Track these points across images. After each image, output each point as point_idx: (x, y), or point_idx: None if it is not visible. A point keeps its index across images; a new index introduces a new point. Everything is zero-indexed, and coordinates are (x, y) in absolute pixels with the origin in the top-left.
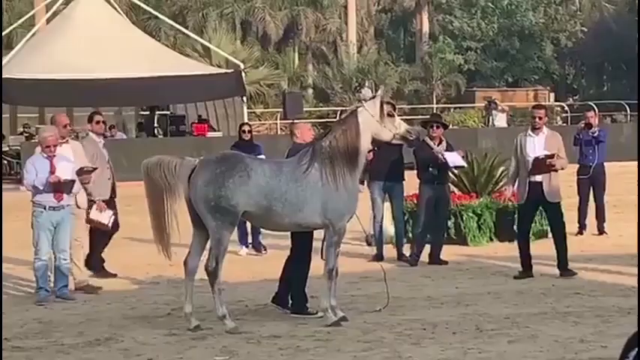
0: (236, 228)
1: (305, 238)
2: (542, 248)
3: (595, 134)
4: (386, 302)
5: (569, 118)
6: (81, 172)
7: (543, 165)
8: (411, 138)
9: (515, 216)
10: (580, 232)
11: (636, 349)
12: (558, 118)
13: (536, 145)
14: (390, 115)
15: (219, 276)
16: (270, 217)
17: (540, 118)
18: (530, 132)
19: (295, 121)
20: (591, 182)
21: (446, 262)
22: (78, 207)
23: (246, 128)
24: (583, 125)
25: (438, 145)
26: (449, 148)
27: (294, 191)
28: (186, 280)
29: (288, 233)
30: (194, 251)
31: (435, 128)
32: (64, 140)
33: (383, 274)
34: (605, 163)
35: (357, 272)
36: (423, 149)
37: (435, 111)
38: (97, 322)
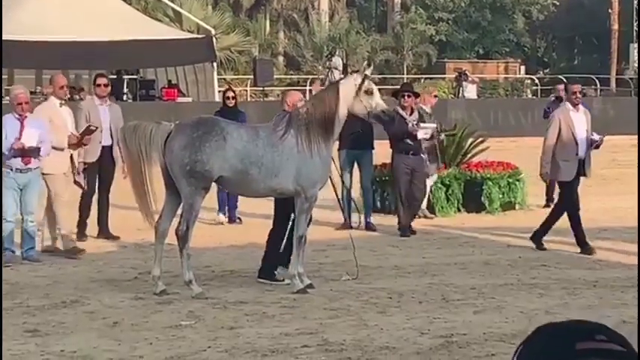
0: (216, 196)
1: (286, 204)
2: (509, 220)
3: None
4: (355, 273)
5: (539, 91)
6: (87, 131)
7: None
8: (385, 119)
9: (483, 187)
10: (548, 205)
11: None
12: (528, 90)
13: (580, 122)
14: (368, 93)
15: (188, 241)
16: (245, 182)
17: (580, 93)
18: (571, 108)
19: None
20: None
21: (414, 232)
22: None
23: (230, 94)
24: (554, 98)
25: (410, 115)
26: (421, 119)
27: (271, 156)
28: (157, 243)
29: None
30: (165, 215)
31: (406, 97)
32: (62, 101)
33: (352, 246)
34: None
35: (325, 240)
36: (396, 120)
37: (405, 81)
38: (63, 285)
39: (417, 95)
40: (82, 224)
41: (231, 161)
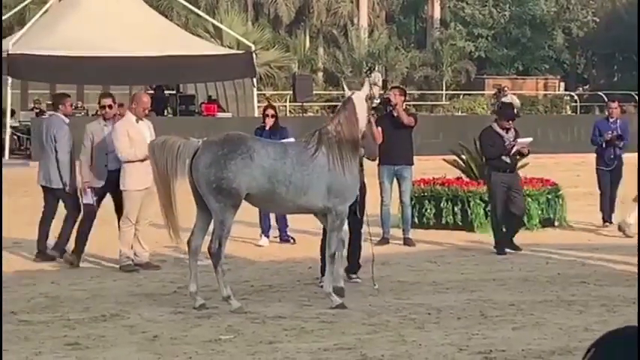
0: (259, 219)
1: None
2: (548, 237)
3: (615, 126)
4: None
5: (578, 108)
6: None
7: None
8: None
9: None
10: (607, 222)
11: (593, 348)
12: (567, 107)
13: None
14: (373, 96)
15: (222, 258)
16: (273, 200)
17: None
18: None
19: (305, 103)
20: (611, 173)
21: (519, 249)
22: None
23: (269, 112)
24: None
25: (507, 134)
26: (517, 135)
27: (300, 174)
28: (190, 259)
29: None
30: (197, 231)
31: (510, 121)
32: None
33: (372, 258)
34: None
35: (363, 255)
36: (493, 139)
37: (444, 97)
38: (103, 298)
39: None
40: (78, 252)
41: (258, 179)
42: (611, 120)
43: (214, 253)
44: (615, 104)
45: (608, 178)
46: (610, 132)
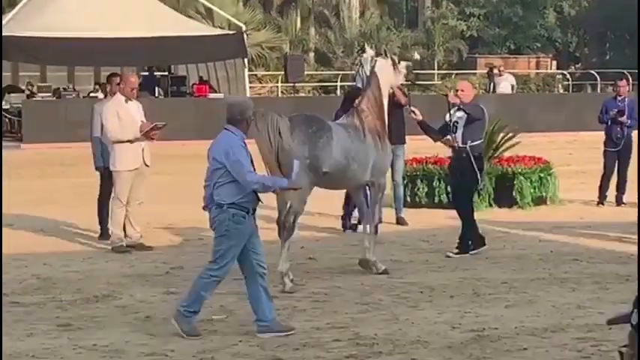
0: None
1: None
2: (541, 215)
3: (623, 104)
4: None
5: (570, 86)
6: (154, 127)
7: None
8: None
9: (515, 182)
10: (601, 203)
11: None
12: (560, 86)
13: None
14: (399, 64)
15: (293, 232)
16: (344, 177)
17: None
18: None
19: (297, 84)
20: (618, 153)
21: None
22: (146, 165)
23: None
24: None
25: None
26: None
27: (363, 151)
28: (281, 240)
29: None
30: (283, 209)
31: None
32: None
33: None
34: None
35: (356, 235)
36: None
37: (436, 77)
38: (96, 280)
39: None
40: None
41: (337, 157)
42: (619, 98)
43: (288, 227)
44: (623, 82)
45: (615, 159)
46: (615, 109)
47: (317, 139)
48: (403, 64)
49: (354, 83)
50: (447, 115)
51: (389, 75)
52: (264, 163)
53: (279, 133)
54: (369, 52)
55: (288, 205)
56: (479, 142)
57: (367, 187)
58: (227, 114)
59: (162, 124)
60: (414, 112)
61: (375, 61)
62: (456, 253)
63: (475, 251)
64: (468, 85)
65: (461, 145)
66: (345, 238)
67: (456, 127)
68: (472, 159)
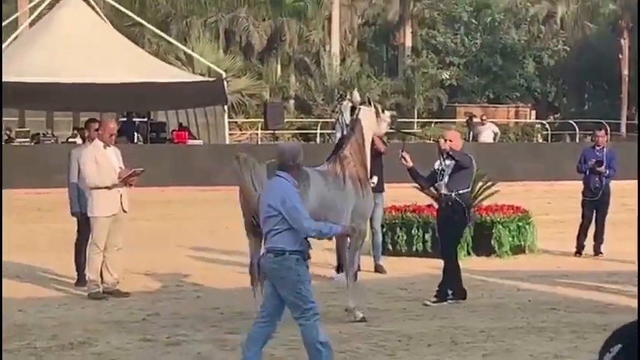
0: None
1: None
2: (519, 264)
3: (602, 154)
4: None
5: (549, 136)
6: (132, 174)
7: None
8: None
9: (493, 231)
10: (578, 252)
11: (619, 344)
12: (539, 135)
13: None
14: (382, 111)
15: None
16: None
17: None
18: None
19: (276, 131)
20: (596, 203)
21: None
22: (124, 211)
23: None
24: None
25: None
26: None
27: (340, 198)
28: (254, 286)
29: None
30: (255, 258)
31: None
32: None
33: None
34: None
35: (333, 282)
36: None
37: (416, 125)
38: (71, 326)
39: None
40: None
41: (313, 205)
42: (597, 148)
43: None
44: (602, 132)
45: (592, 208)
46: (594, 159)
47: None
48: (387, 113)
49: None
50: (437, 163)
51: (372, 123)
52: (243, 208)
53: (255, 180)
54: (356, 96)
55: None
56: (465, 190)
57: None
58: (278, 160)
59: (140, 170)
60: (404, 157)
61: (359, 108)
62: (434, 302)
63: (453, 301)
64: (456, 134)
65: (446, 193)
66: (321, 285)
67: (443, 175)
68: (458, 207)
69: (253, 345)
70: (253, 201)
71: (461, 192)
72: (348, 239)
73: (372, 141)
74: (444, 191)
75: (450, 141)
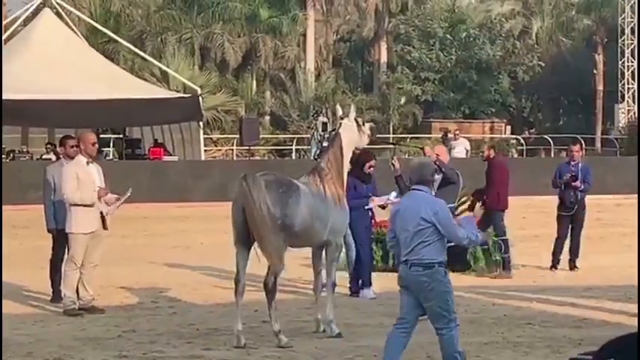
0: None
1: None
2: (495, 279)
3: (576, 169)
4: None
5: (524, 151)
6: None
7: None
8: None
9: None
10: (554, 267)
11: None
12: (514, 150)
13: None
14: (363, 124)
15: (276, 292)
16: (308, 235)
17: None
18: None
19: (252, 147)
20: (572, 218)
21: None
22: (105, 228)
23: (372, 163)
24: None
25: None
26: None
27: (324, 210)
28: (237, 299)
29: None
30: (242, 270)
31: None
32: (90, 160)
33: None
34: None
35: (308, 299)
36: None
37: (392, 140)
38: (47, 343)
39: None
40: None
41: (304, 216)
42: (572, 163)
43: (271, 289)
44: (577, 147)
45: (568, 223)
46: (569, 174)
47: (287, 199)
48: (367, 125)
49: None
50: None
51: (354, 136)
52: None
53: (264, 199)
54: (338, 110)
55: (267, 267)
56: (451, 205)
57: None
58: (417, 175)
59: (127, 195)
60: (394, 165)
61: (340, 123)
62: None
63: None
64: (444, 149)
65: None
66: (296, 300)
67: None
68: None
69: (395, 354)
70: (260, 220)
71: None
72: (323, 253)
73: (359, 154)
74: None
75: (438, 155)
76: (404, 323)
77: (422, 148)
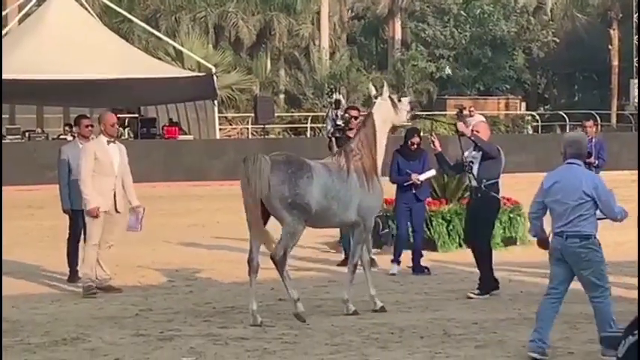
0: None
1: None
2: (511, 255)
3: (590, 144)
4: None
5: (539, 127)
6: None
7: None
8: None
9: None
10: None
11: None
12: (529, 127)
13: None
14: (399, 101)
15: (286, 264)
16: (325, 216)
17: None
18: None
19: (266, 125)
20: None
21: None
22: (117, 211)
23: (415, 140)
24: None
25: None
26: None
27: (344, 191)
28: (251, 278)
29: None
30: (255, 250)
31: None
32: (112, 140)
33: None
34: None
35: (325, 276)
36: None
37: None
38: (64, 322)
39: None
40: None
41: (318, 197)
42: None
43: (279, 261)
44: (590, 122)
45: None
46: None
47: (297, 179)
48: (405, 100)
49: (324, 125)
50: (467, 152)
51: (388, 114)
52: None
53: (261, 175)
54: (371, 90)
55: (277, 239)
56: (494, 180)
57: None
58: (573, 149)
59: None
60: (433, 142)
61: (374, 102)
62: (478, 294)
63: (488, 294)
64: (485, 125)
65: (475, 186)
66: (313, 278)
67: (471, 167)
68: (487, 199)
69: (547, 322)
70: (255, 202)
71: (489, 182)
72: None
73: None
74: (473, 183)
75: (477, 132)
76: (555, 293)
77: (455, 124)
